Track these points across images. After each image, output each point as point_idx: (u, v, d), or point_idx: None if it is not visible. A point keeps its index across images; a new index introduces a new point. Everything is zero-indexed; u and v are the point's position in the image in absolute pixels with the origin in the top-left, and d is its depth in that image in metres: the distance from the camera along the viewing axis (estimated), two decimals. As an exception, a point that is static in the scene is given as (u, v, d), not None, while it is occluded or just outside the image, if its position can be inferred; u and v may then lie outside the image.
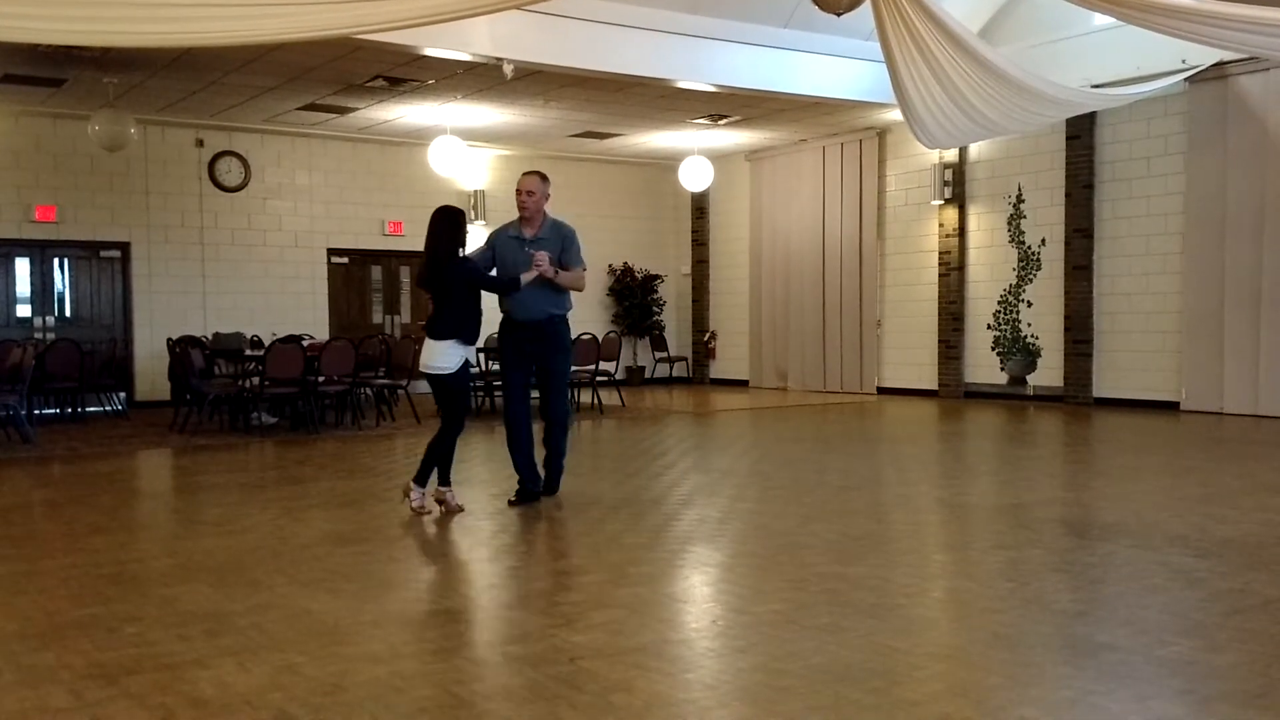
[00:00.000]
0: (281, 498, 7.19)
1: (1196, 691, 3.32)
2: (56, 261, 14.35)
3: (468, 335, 6.52)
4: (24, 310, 14.17)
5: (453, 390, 6.49)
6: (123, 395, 13.92)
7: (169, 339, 13.17)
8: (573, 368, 13.17)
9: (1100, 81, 12.54)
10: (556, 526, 6.11)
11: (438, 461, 6.45)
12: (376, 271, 16.66)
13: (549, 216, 6.88)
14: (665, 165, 18.08)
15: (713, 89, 12.87)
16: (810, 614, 4.22)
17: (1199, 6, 7.85)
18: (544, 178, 6.83)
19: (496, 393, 13.33)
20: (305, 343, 11.76)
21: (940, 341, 15.13)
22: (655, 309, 18.64)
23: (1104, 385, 13.37)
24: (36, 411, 12.06)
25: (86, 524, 6.27)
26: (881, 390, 15.93)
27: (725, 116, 14.81)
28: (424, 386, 15.86)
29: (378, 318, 16.67)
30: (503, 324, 7.04)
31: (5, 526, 6.23)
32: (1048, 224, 13.86)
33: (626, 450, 9.78)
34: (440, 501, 6.45)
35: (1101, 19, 12.11)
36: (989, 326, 14.61)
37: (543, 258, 6.55)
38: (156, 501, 7.77)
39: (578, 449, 10.30)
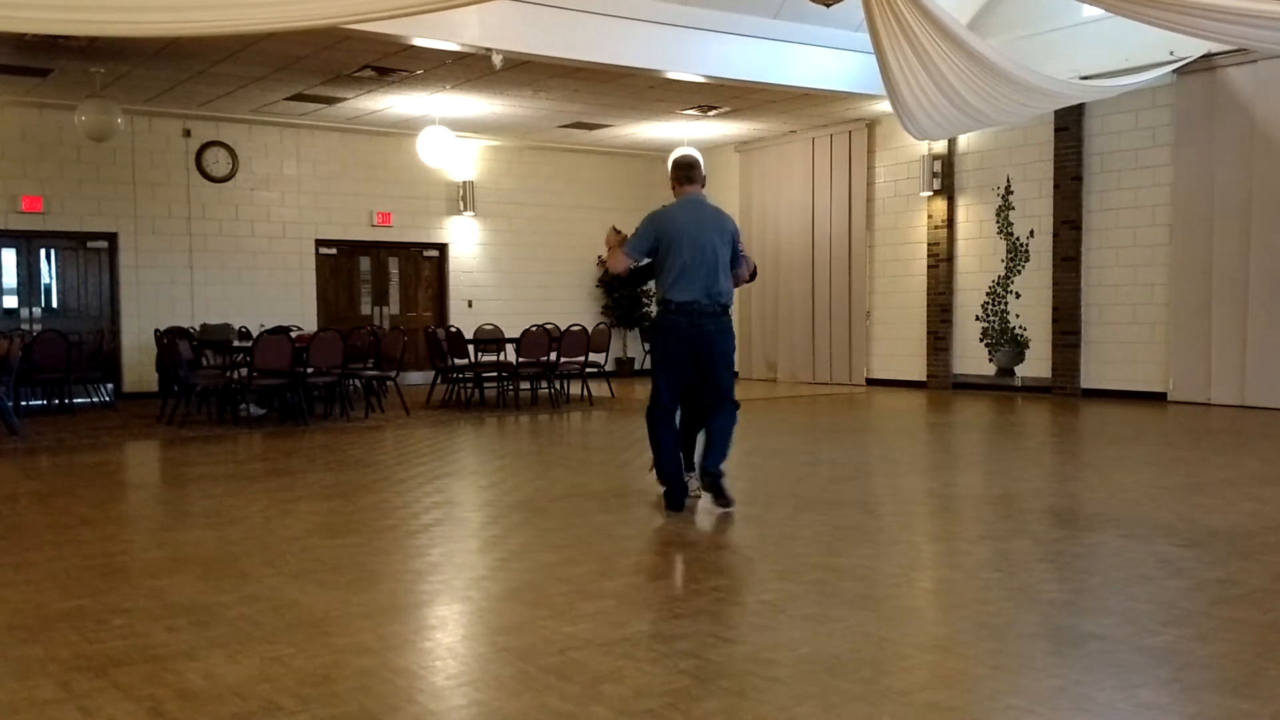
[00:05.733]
0: (270, 489, 7.18)
1: (1183, 680, 3.34)
2: (43, 252, 14.29)
3: None
4: (10, 301, 14.12)
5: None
6: (110, 386, 13.87)
7: (156, 330, 13.13)
8: (561, 359, 13.28)
9: (1089, 73, 12.57)
10: (545, 518, 6.11)
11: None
12: (365, 262, 16.62)
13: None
14: (654, 156, 18.06)
15: (702, 80, 12.86)
16: (799, 604, 4.23)
17: (1187, -2, 7.86)
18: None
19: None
20: (293, 334, 11.73)
21: (929, 333, 15.17)
22: (644, 300, 18.63)
23: (1091, 376, 13.42)
24: (23, 403, 12.00)
25: (74, 516, 6.25)
26: (870, 381, 15.96)
27: (715, 108, 14.80)
28: (413, 378, 15.95)
29: (366, 309, 16.63)
30: None
31: (-8, 518, 6.21)
32: (1036, 215, 13.90)
33: (616, 442, 9.78)
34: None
35: (1090, 11, 12.13)
36: (977, 318, 14.65)
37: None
38: (144, 493, 7.75)
39: (567, 440, 10.31)
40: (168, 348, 11.53)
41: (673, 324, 6.11)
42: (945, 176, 14.82)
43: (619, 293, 18.27)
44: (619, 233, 6.46)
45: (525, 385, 13.77)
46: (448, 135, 14.12)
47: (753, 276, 6.65)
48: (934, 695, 3.21)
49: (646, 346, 14.73)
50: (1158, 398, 12.67)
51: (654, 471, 6.39)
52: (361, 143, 16.10)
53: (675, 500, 6.18)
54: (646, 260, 6.33)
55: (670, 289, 6.10)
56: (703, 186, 6.42)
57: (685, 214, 6.20)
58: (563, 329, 13.33)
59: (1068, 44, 12.89)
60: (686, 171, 6.34)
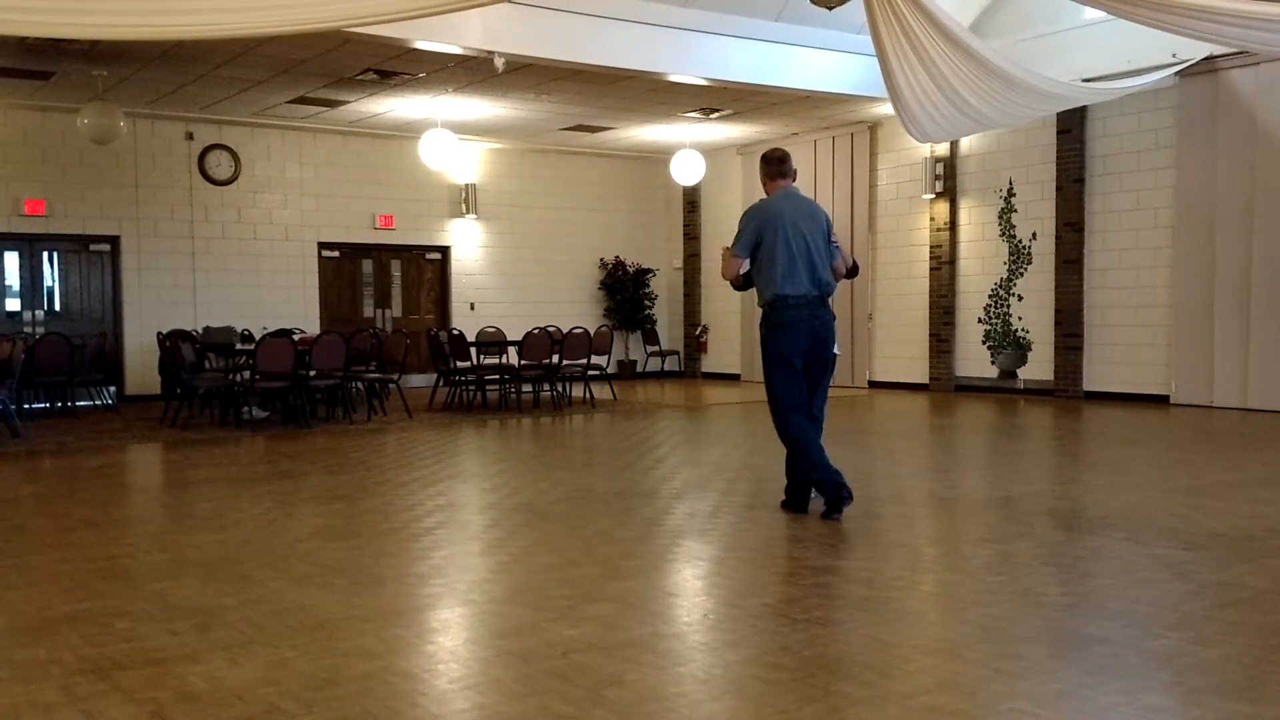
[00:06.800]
0: (272, 492, 7.18)
1: (1185, 684, 3.34)
2: (46, 255, 14.30)
3: None
4: (13, 304, 14.13)
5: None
6: (113, 389, 13.89)
7: (159, 333, 13.14)
8: (563, 362, 13.27)
9: (1091, 75, 12.57)
10: (547, 521, 6.11)
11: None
12: (367, 265, 16.63)
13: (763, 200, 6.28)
14: (657, 159, 18.07)
15: (704, 82, 12.86)
16: (802, 607, 4.23)
17: (1189, 0, 7.86)
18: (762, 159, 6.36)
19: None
20: (296, 337, 11.73)
21: (931, 335, 15.16)
22: (647, 303, 18.64)
23: (1094, 379, 13.41)
24: (26, 405, 12.02)
25: (77, 518, 6.26)
26: (873, 384, 15.95)
27: (717, 110, 14.80)
28: (415, 381, 15.98)
29: (368, 311, 16.64)
30: None
31: (-5, 521, 6.21)
32: (1038, 218, 13.89)
33: (618, 444, 9.78)
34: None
35: (1092, 13, 12.12)
36: (980, 320, 14.64)
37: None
38: (147, 496, 7.75)
39: (569, 443, 10.30)
40: (170, 350, 11.54)
41: (793, 319, 5.94)
42: (947, 179, 14.82)
43: (620, 295, 18.28)
44: (728, 248, 6.30)
45: (527, 388, 13.77)
46: (450, 138, 14.13)
47: (852, 272, 6.38)
48: (937, 699, 3.20)
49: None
50: (1160, 400, 12.66)
51: (787, 499, 6.20)
52: (364, 145, 16.11)
53: (836, 496, 5.89)
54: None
55: (783, 283, 5.93)
56: (794, 180, 6.28)
57: (786, 206, 6.06)
58: (565, 331, 13.33)
59: (1070, 46, 12.89)
60: (778, 167, 6.21)
